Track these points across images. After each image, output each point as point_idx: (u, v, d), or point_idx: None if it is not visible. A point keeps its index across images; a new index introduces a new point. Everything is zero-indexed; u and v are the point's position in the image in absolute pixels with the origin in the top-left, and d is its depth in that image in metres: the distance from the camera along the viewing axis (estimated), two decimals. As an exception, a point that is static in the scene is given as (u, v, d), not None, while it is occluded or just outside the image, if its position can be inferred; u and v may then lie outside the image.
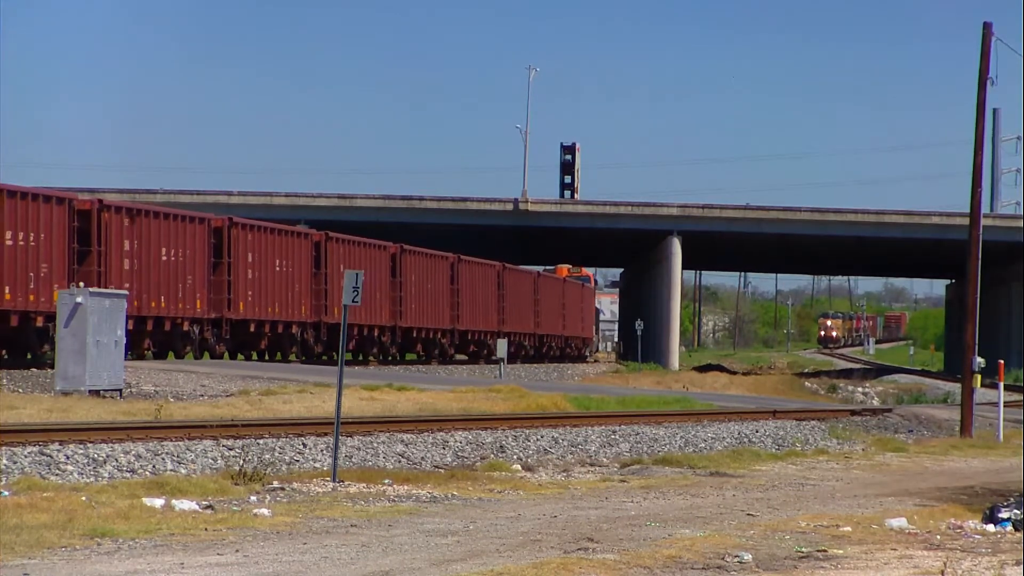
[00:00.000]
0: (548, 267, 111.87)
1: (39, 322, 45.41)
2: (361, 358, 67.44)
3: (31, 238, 44.91)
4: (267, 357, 60.19)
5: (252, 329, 57.91)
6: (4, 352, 45.18)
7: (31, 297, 44.91)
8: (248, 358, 58.70)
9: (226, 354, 56.26)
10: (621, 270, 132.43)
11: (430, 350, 73.78)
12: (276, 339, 60.34)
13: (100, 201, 50.03)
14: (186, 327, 53.61)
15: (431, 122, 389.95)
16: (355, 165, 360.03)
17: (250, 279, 57.48)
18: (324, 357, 62.42)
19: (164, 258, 51.90)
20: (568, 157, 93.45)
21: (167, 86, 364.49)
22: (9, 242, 44.06)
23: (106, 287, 46.62)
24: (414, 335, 71.85)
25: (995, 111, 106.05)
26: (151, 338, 51.92)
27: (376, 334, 67.73)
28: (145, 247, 50.87)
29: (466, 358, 77.33)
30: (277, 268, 59.23)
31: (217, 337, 55.61)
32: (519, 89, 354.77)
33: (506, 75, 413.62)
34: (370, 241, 67.36)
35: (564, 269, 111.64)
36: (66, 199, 47.55)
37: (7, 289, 43.95)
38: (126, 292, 41.44)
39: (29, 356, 46.20)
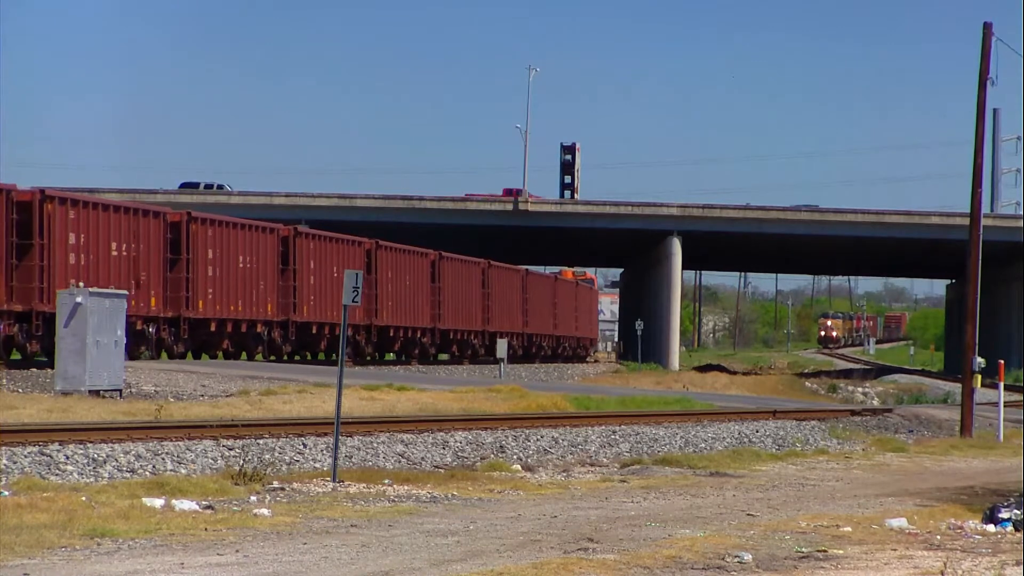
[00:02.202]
0: (551, 268, 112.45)
1: (139, 326, 50.15)
2: (404, 359, 71.21)
3: (132, 248, 49.61)
4: (323, 357, 64.09)
5: (314, 331, 61.97)
6: None
7: (133, 303, 48.32)
8: (304, 359, 62.64)
9: (286, 355, 60.25)
10: (621, 270, 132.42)
11: (463, 351, 77.59)
12: (333, 340, 63.79)
13: (189, 214, 54.03)
14: (259, 328, 58.05)
15: (431, 122, 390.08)
16: (355, 165, 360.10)
17: (312, 284, 61.54)
18: (369, 358, 66.94)
19: (241, 265, 56.54)
20: (568, 157, 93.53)
21: (167, 86, 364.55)
22: (115, 253, 48.70)
23: (195, 293, 53.43)
24: (451, 336, 76.09)
25: (995, 111, 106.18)
26: (229, 339, 56.34)
27: (418, 336, 71.91)
28: (225, 255, 55.50)
29: (492, 358, 79.34)
30: (335, 274, 62.81)
31: (284, 338, 59.79)
32: (519, 89, 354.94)
33: (506, 75, 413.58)
34: (413, 248, 71.43)
35: (569, 272, 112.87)
36: (161, 212, 52.38)
37: None
38: (126, 292, 41.54)
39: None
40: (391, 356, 71.11)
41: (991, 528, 19.04)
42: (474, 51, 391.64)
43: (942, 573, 15.04)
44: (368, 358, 66.70)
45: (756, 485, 24.94)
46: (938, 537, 18.21)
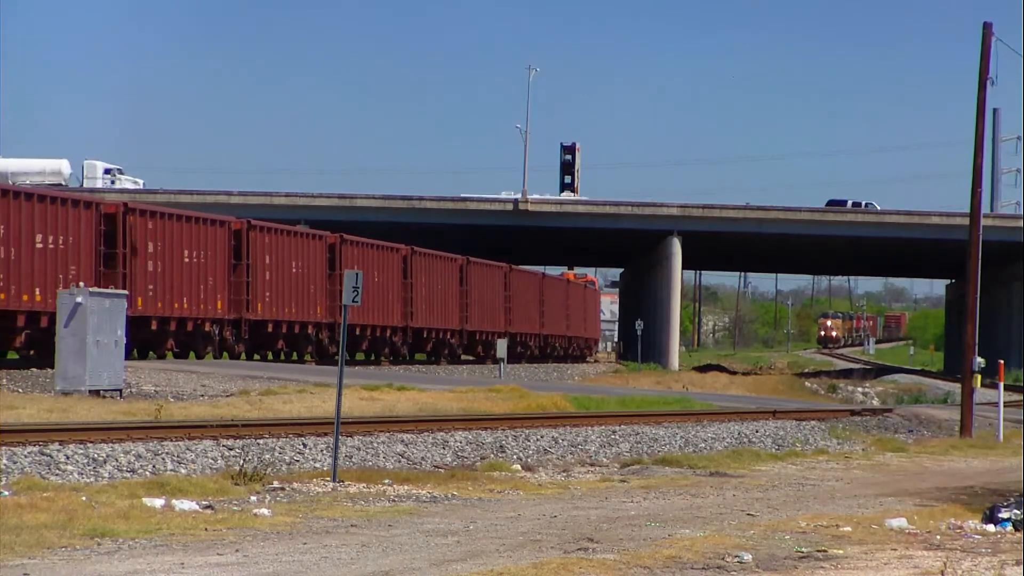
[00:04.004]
0: (551, 269, 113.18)
1: (207, 327, 54.49)
2: (434, 359, 74.16)
3: (201, 256, 54.01)
4: (362, 357, 67.89)
5: (356, 333, 65.00)
6: (174, 349, 52.91)
7: (202, 306, 54.00)
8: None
9: (330, 356, 62.45)
10: (621, 270, 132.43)
11: (487, 351, 79.48)
12: (374, 342, 67.58)
13: (248, 222, 57.64)
14: (310, 330, 61.75)
15: (431, 122, 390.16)
16: (355, 165, 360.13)
17: None
18: (402, 358, 70.11)
19: (294, 270, 60.13)
20: (568, 157, 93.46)
21: (167, 86, 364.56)
22: (186, 259, 53.06)
23: (254, 296, 56.85)
24: (476, 338, 79.23)
25: (995, 111, 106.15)
26: (284, 339, 60.21)
27: (447, 337, 75.20)
28: (279, 261, 59.03)
29: (515, 360, 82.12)
30: (376, 279, 66.07)
31: (330, 339, 62.89)
32: (519, 89, 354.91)
33: (506, 75, 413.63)
34: (443, 254, 74.80)
35: (571, 275, 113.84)
36: (227, 221, 56.07)
37: (185, 300, 52.82)
38: (126, 292, 41.54)
39: (192, 355, 54.08)
40: (421, 356, 73.83)
41: (991, 528, 19.04)
42: (474, 51, 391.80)
43: (942, 573, 15.05)
44: (402, 358, 69.86)
45: (756, 485, 24.94)
46: (938, 537, 18.21)
